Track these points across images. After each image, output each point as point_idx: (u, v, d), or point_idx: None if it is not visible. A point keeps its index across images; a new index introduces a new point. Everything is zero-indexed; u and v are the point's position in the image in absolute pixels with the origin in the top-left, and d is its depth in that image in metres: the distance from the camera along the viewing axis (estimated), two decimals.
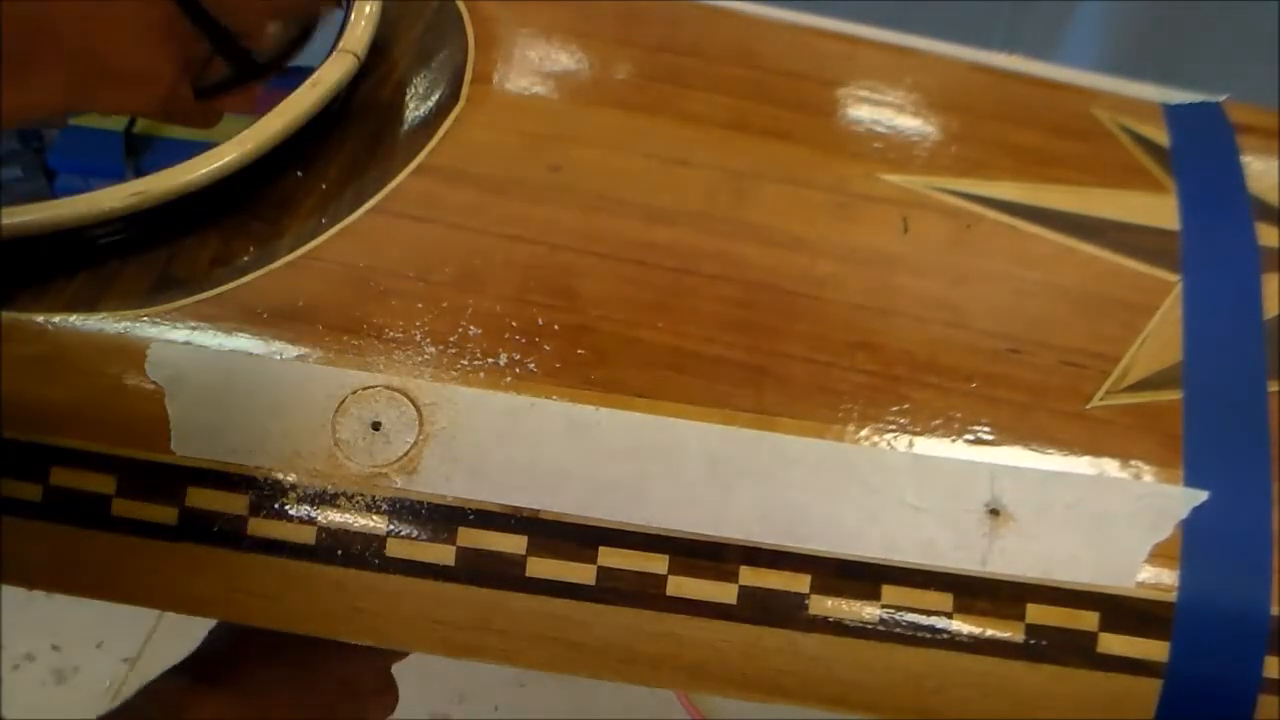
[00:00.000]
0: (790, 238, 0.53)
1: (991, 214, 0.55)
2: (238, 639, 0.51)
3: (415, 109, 0.56)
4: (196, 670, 0.50)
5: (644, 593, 0.46)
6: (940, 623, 0.46)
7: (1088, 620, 0.46)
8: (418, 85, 0.58)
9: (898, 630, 0.47)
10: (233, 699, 0.49)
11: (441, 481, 0.46)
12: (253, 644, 0.50)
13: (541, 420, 0.47)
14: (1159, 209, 0.56)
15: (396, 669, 0.57)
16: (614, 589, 0.46)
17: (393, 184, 0.52)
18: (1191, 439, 0.49)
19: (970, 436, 0.48)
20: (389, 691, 0.55)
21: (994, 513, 0.47)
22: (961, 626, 0.46)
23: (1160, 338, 0.51)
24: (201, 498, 0.46)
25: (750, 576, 0.46)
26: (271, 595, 0.47)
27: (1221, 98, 0.63)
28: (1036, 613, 0.46)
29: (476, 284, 0.50)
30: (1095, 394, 0.49)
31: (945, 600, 0.46)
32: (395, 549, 0.46)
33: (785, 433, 0.47)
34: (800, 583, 0.46)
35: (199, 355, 0.47)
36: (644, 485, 0.46)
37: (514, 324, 0.49)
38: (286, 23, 0.41)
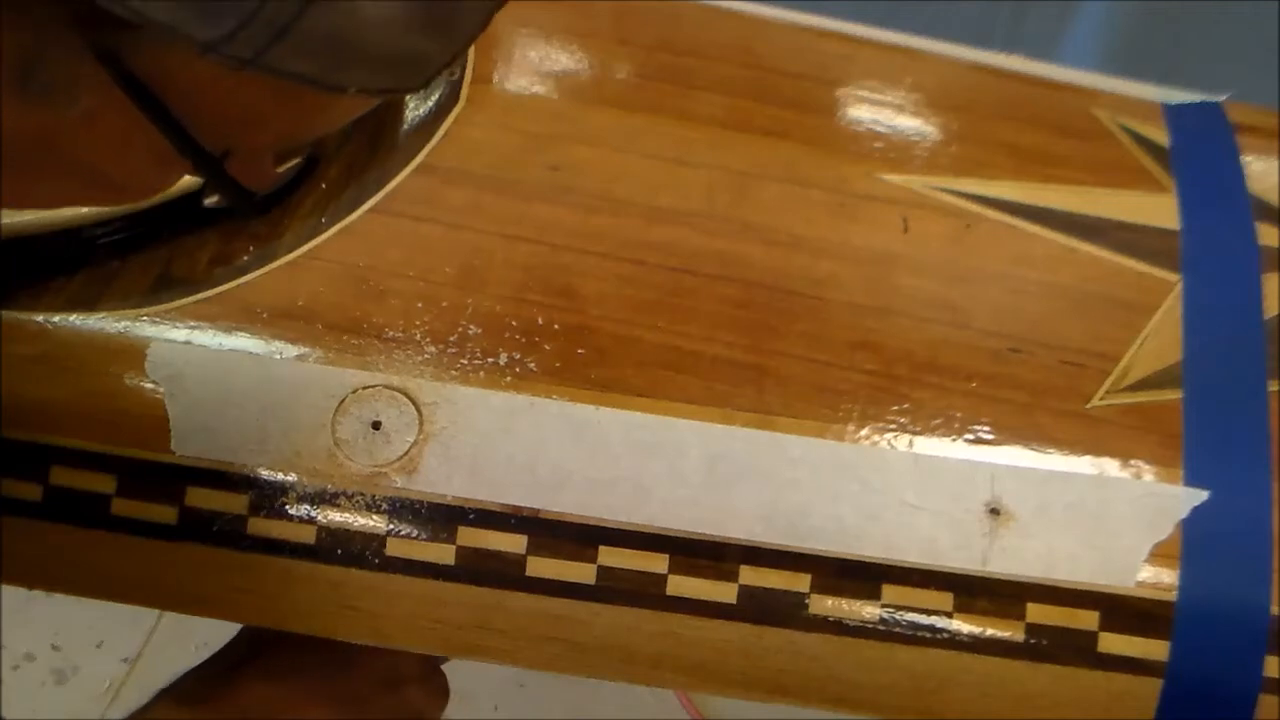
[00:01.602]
0: (790, 237, 0.53)
1: (991, 214, 0.55)
2: (267, 630, 0.51)
3: (415, 109, 0.56)
4: (225, 660, 0.50)
5: (644, 592, 0.46)
6: (940, 622, 0.46)
7: (1088, 620, 0.46)
8: None
9: (898, 630, 0.47)
10: (261, 682, 0.48)
11: (441, 481, 0.46)
12: (283, 631, 0.50)
13: (541, 420, 0.47)
14: (1159, 209, 0.56)
15: None
16: (614, 588, 0.46)
17: (393, 184, 0.52)
18: (1191, 439, 0.49)
19: (970, 436, 0.48)
20: (434, 684, 0.54)
21: (994, 512, 0.47)
22: (962, 626, 0.46)
23: (1160, 337, 0.51)
24: (201, 497, 0.46)
25: (750, 576, 0.46)
26: (272, 595, 0.47)
27: (1221, 98, 0.63)
28: (1036, 612, 0.46)
29: (476, 283, 0.50)
30: (1095, 393, 0.49)
31: (945, 600, 0.46)
32: (395, 548, 0.46)
33: (785, 432, 0.47)
34: (800, 582, 0.46)
35: (199, 355, 0.47)
36: (644, 484, 0.46)
37: (514, 323, 0.49)
38: (289, 160, 0.41)
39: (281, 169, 0.42)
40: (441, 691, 0.55)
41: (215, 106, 0.31)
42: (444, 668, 0.56)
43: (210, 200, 0.39)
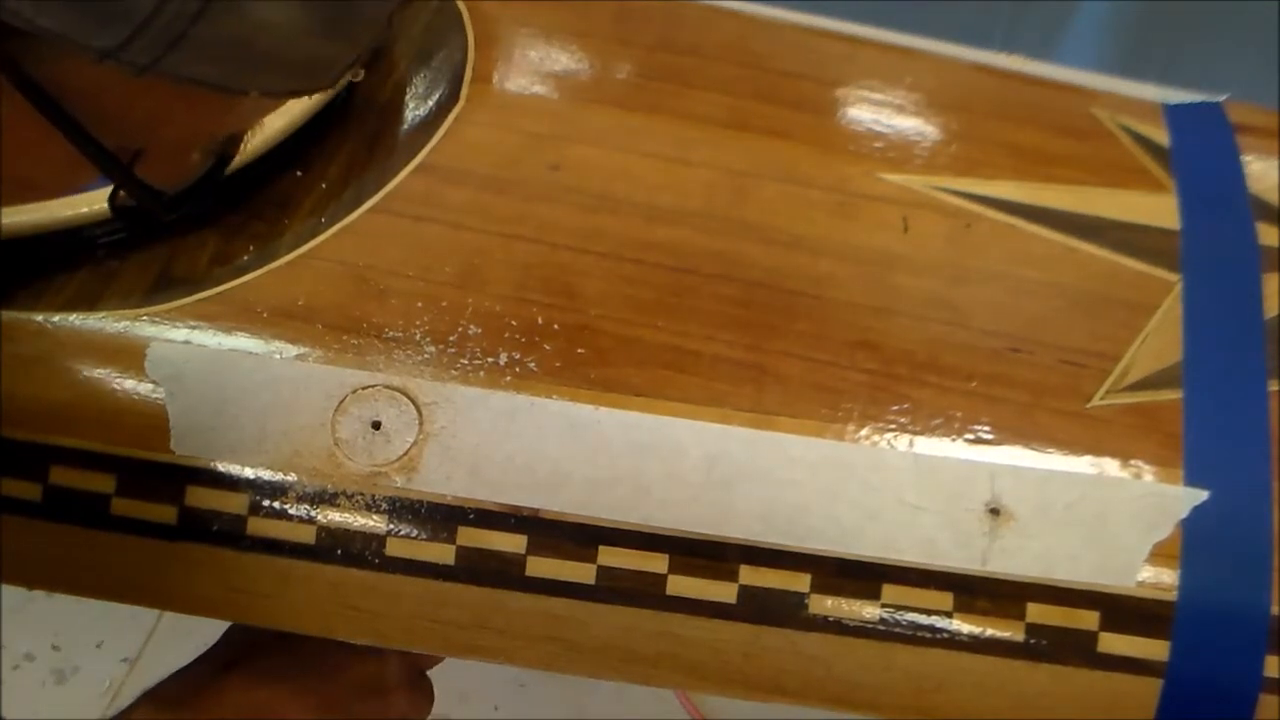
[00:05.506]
0: (790, 237, 0.53)
1: (991, 213, 0.55)
2: (254, 631, 0.51)
3: (415, 109, 0.56)
4: (209, 663, 0.50)
5: (643, 592, 0.46)
6: (940, 622, 0.46)
7: (1088, 620, 0.46)
8: (418, 85, 0.58)
9: (898, 630, 0.46)
10: (243, 686, 0.48)
11: (441, 481, 0.46)
12: (268, 635, 0.50)
13: (541, 419, 0.47)
14: (1159, 208, 0.56)
15: None
16: (613, 588, 0.46)
17: (393, 183, 0.52)
18: (1191, 439, 0.48)
19: (970, 436, 0.48)
20: (420, 690, 0.54)
21: (994, 512, 0.47)
22: (961, 626, 0.46)
23: (1160, 337, 0.51)
24: (201, 497, 0.46)
25: (750, 576, 0.46)
26: (271, 594, 0.47)
27: (1221, 98, 0.63)
28: (1036, 612, 0.46)
29: (476, 283, 0.50)
30: (1095, 393, 0.49)
31: (945, 599, 0.46)
32: (395, 548, 0.46)
33: (785, 432, 0.47)
34: (800, 582, 0.46)
35: (199, 354, 0.47)
36: (643, 484, 0.46)
37: (513, 323, 0.49)
38: (205, 154, 0.41)
39: (195, 158, 0.42)
40: (427, 697, 0.55)
41: (117, 108, 0.31)
42: (442, 668, 0.56)
43: (121, 201, 0.39)
